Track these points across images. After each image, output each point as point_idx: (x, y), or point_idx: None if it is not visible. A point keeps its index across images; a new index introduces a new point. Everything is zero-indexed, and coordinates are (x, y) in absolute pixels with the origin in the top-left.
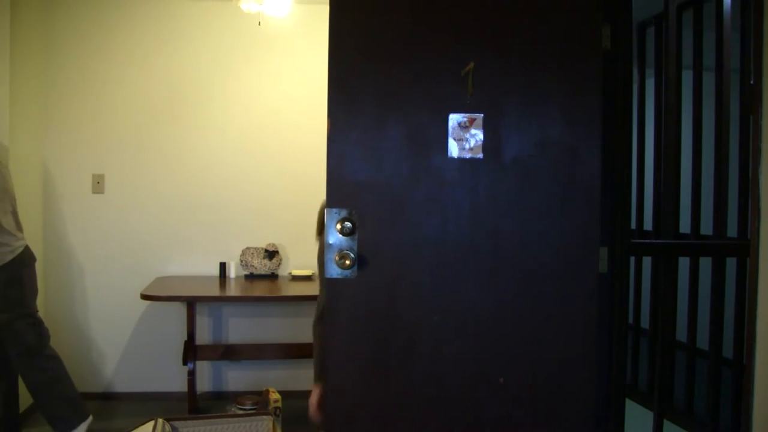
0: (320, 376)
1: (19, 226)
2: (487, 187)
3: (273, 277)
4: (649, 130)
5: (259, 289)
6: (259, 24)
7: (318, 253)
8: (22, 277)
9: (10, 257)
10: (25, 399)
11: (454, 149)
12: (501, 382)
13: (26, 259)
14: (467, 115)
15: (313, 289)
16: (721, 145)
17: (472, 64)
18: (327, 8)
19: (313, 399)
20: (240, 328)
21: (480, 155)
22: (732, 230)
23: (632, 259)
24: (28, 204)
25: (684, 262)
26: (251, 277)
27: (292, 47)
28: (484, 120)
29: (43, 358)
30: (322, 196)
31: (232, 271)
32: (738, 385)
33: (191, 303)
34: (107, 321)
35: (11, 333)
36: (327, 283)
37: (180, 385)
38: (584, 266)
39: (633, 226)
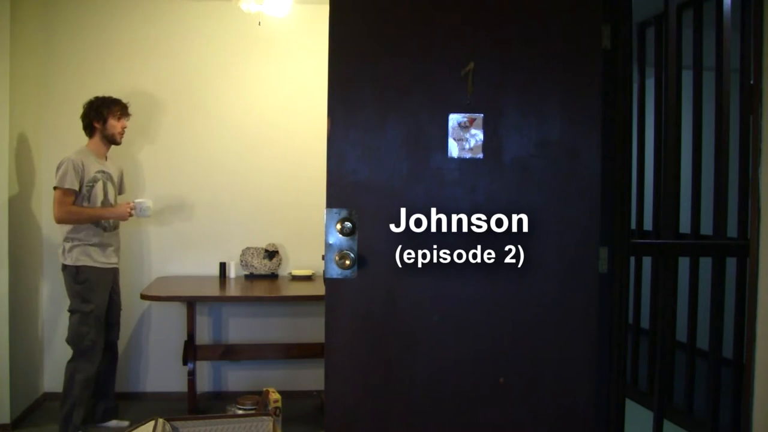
0: None
1: None
2: (487, 187)
3: (273, 277)
4: (649, 130)
5: (259, 289)
6: (259, 24)
7: None
8: None
9: None
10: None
11: (454, 149)
12: (501, 382)
13: None
14: (467, 115)
15: (313, 289)
16: (721, 145)
17: (472, 64)
18: (327, 8)
19: None
20: (240, 328)
21: (480, 155)
22: (732, 230)
23: (632, 259)
24: (28, 204)
25: (684, 262)
26: (251, 277)
27: (292, 47)
28: (484, 120)
29: None
30: (322, 196)
31: (232, 271)
32: (738, 385)
33: (191, 303)
34: None
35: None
36: (327, 283)
37: (180, 385)
38: (584, 266)
39: (633, 226)
